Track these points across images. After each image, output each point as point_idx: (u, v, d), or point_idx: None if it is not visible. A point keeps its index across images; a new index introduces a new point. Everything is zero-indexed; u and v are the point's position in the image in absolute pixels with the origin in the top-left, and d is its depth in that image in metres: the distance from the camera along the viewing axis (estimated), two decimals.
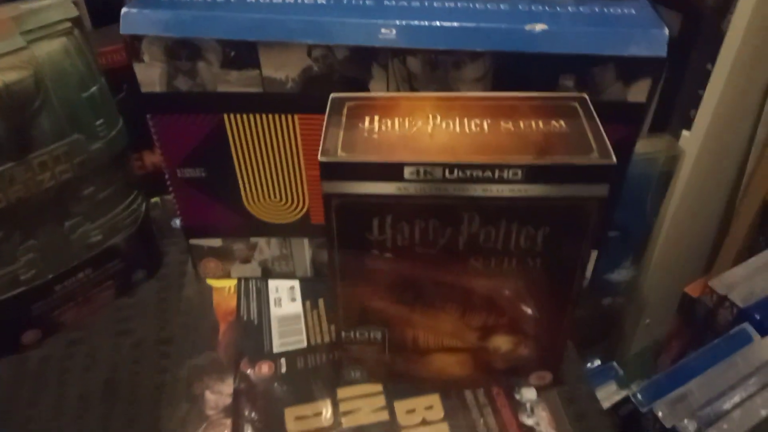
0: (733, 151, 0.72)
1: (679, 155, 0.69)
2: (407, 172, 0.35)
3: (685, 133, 0.69)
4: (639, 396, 0.54)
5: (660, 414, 0.52)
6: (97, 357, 0.48)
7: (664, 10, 0.63)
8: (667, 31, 0.38)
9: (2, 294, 0.45)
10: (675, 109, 0.70)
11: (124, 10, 0.39)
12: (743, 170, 0.73)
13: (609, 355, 0.82)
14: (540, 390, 0.47)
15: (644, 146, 0.68)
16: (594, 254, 0.52)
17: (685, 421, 0.51)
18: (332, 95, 0.39)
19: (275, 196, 0.49)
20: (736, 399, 0.52)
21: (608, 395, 0.72)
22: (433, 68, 0.40)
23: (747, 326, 0.57)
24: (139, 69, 0.41)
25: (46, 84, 0.40)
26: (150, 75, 0.42)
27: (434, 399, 0.46)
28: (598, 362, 0.79)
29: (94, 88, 0.43)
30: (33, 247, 0.45)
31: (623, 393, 0.71)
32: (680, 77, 0.68)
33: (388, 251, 0.39)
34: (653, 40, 0.38)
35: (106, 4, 0.56)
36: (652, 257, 0.76)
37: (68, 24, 0.42)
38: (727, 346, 0.57)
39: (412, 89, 0.42)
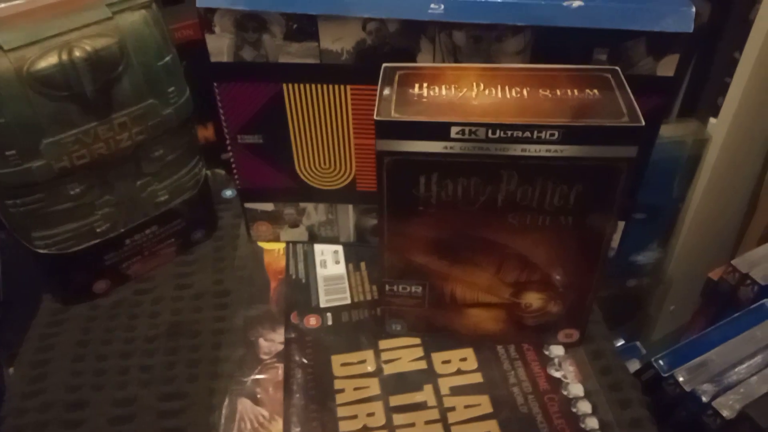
0: (759, 138, 0.74)
1: (706, 140, 0.72)
2: (454, 131, 0.38)
3: (712, 119, 0.72)
4: (661, 362, 0.57)
5: (681, 379, 0.55)
6: (162, 305, 0.53)
7: None
8: (694, 9, 0.41)
9: (81, 244, 0.50)
10: (703, 96, 0.72)
11: None
12: None
13: (633, 336, 0.85)
14: (567, 347, 0.50)
15: (672, 130, 0.71)
16: (621, 226, 0.55)
17: (704, 385, 0.53)
18: (384, 65, 0.43)
19: (325, 163, 0.53)
20: (754, 367, 0.54)
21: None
22: (476, 42, 0.44)
23: (767, 302, 0.60)
24: (210, 39, 0.46)
25: (128, 51, 0.45)
26: (219, 45, 0.46)
27: (468, 352, 0.50)
28: (621, 342, 0.82)
29: (168, 58, 0.48)
30: (109, 202, 0.49)
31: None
32: (708, 65, 0.71)
33: (433, 207, 0.42)
34: (681, 17, 0.41)
35: None
36: (678, 240, 0.79)
37: None
38: (747, 320, 0.59)
39: (457, 62, 0.46)
